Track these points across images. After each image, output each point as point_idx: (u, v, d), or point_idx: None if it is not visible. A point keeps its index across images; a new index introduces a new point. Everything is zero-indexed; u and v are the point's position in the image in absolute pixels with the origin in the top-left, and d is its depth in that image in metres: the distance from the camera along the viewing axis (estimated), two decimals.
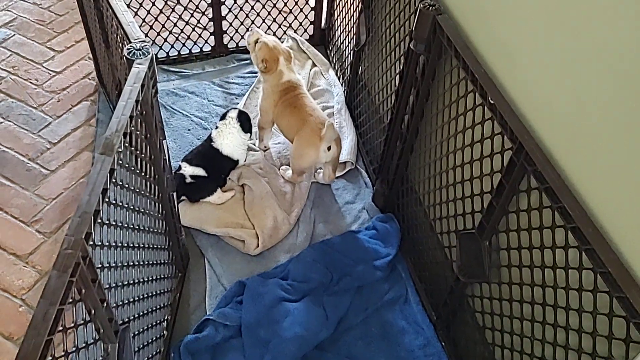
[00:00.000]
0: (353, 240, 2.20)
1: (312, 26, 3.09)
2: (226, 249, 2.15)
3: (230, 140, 2.29)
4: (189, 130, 2.58)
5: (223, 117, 2.33)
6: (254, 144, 2.51)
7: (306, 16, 3.03)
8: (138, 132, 1.43)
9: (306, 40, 3.06)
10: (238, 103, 2.73)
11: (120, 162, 1.27)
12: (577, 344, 1.27)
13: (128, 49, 1.45)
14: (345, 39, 2.80)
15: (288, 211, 2.27)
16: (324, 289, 2.04)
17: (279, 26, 3.03)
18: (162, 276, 1.80)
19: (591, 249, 1.16)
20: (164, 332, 1.84)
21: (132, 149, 1.39)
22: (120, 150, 1.25)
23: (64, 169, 2.34)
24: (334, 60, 2.99)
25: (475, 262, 1.65)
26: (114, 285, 1.31)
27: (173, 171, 2.03)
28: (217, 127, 2.32)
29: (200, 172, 2.23)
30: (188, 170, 2.22)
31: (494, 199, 1.50)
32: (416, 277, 2.12)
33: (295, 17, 3.03)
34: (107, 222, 1.24)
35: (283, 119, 2.31)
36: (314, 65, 2.97)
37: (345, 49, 2.80)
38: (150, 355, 1.66)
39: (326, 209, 2.35)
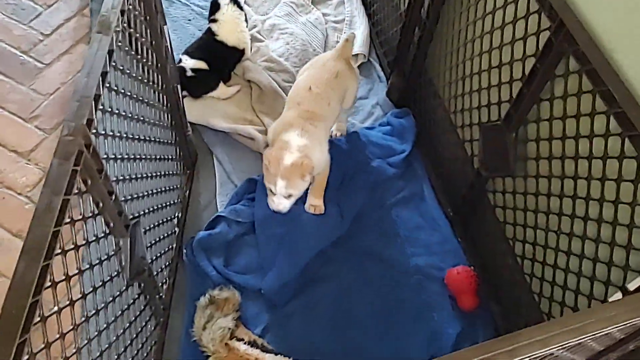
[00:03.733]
0: (367, 137, 2.11)
1: None
2: (235, 146, 2.07)
3: (233, 28, 2.14)
4: (189, 20, 2.41)
5: (216, 9, 2.15)
6: (259, 33, 2.35)
7: None
8: (137, 12, 1.29)
9: None
10: None
11: (120, 43, 1.15)
12: (609, 237, 1.21)
13: None
14: None
15: None
16: (336, 188, 1.97)
17: None
18: (171, 172, 1.73)
19: (637, 134, 1.06)
20: (175, 228, 1.80)
21: (132, 30, 1.26)
22: (118, 29, 1.12)
23: (60, 63, 2.20)
24: None
25: (499, 156, 1.56)
26: (121, 178, 1.24)
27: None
28: (215, 21, 2.15)
29: (202, 65, 2.09)
30: (189, 63, 2.08)
31: (525, 86, 1.39)
32: (433, 173, 2.05)
33: None
34: (110, 109, 1.14)
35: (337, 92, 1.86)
36: None
37: None
38: (163, 251, 1.63)
39: None
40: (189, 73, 2.07)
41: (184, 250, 1.81)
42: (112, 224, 1.15)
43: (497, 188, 1.66)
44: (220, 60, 2.14)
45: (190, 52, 2.11)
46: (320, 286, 1.80)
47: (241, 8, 2.20)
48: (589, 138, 1.23)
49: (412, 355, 1.70)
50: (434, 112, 2.01)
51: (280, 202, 1.65)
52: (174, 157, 1.76)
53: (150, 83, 1.46)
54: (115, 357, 1.23)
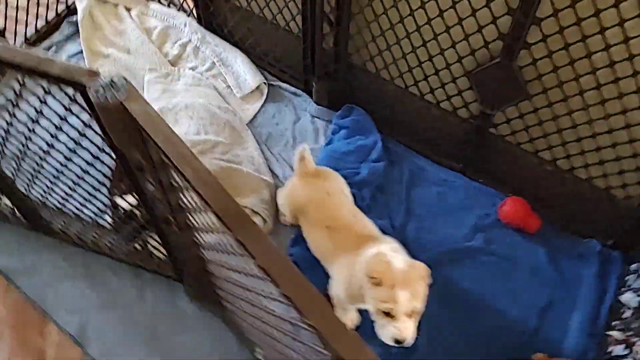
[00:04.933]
0: (334, 153, 1.99)
1: None
2: None
3: None
4: None
5: None
6: None
7: None
8: None
9: None
10: None
11: None
12: None
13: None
14: None
15: (260, 170, 1.94)
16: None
17: None
18: None
19: None
20: None
21: None
22: None
23: None
24: None
25: (504, 88, 1.61)
26: None
27: None
28: None
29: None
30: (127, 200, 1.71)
31: (519, 14, 1.42)
32: (415, 145, 2.03)
33: None
34: None
35: None
36: (126, 9, 2.39)
37: None
38: None
39: (279, 141, 2.07)
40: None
41: None
42: None
43: (511, 116, 1.70)
44: None
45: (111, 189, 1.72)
46: None
47: None
48: (621, 25, 1.31)
49: (535, 300, 1.74)
50: (383, 95, 1.96)
51: (407, 327, 1.28)
52: None
53: None
54: None
